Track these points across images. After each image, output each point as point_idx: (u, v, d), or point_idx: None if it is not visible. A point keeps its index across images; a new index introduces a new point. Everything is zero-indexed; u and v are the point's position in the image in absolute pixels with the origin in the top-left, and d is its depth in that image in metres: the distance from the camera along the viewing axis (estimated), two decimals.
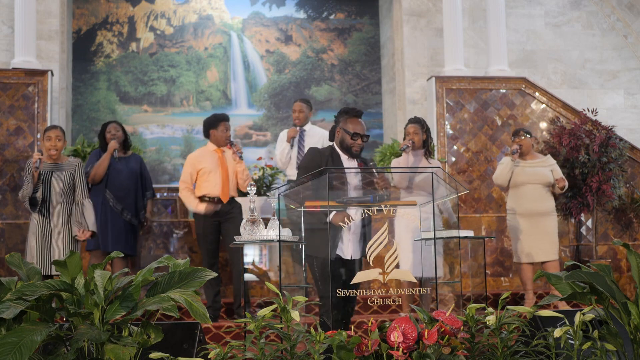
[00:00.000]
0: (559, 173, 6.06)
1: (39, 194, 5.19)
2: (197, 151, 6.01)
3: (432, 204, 3.73)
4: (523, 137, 6.01)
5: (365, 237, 3.81)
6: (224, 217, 5.68)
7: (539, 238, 5.88)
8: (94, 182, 5.84)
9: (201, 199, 5.67)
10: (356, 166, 4.12)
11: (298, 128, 6.19)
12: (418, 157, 5.37)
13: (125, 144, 6.11)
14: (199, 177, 5.73)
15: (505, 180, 5.97)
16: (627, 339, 2.96)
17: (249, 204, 3.94)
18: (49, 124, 6.86)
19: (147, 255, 6.75)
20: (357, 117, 4.14)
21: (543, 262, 5.92)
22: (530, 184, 5.94)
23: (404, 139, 5.46)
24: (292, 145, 6.16)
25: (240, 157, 5.67)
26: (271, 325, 2.86)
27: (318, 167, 3.90)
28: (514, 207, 6.01)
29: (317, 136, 6.22)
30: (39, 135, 6.82)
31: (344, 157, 4.13)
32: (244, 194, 6.14)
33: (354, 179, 3.93)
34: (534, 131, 7.49)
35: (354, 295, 3.54)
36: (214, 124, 5.76)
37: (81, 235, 5.21)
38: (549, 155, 6.24)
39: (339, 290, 3.50)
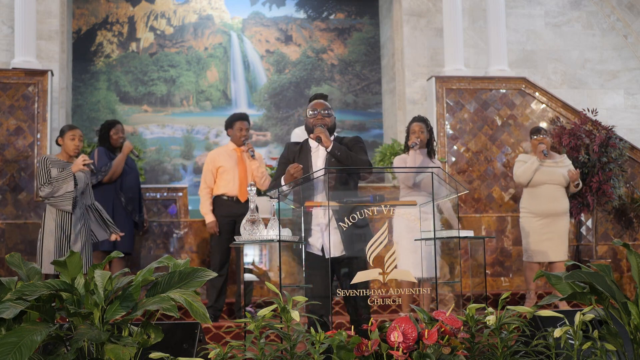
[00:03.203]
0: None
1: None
2: (218, 149, 6.03)
3: (432, 204, 3.73)
4: (543, 136, 6.02)
5: (351, 234, 3.78)
6: (241, 217, 5.66)
7: (551, 238, 5.91)
8: (110, 180, 5.83)
9: (220, 197, 5.69)
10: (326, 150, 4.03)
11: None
12: (424, 156, 5.38)
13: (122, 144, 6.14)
14: (218, 176, 5.74)
15: (528, 180, 5.97)
16: (627, 339, 2.96)
17: (250, 204, 3.93)
18: (49, 124, 6.86)
19: (147, 255, 6.74)
20: (316, 99, 4.17)
21: (550, 262, 5.94)
22: (548, 184, 5.96)
23: (406, 137, 5.45)
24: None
25: (252, 156, 5.66)
26: (271, 325, 2.85)
27: (286, 160, 4.06)
28: (529, 206, 6.01)
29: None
30: (39, 135, 6.82)
31: (313, 145, 4.10)
32: (261, 194, 6.15)
33: (318, 160, 3.99)
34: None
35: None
36: (230, 124, 5.80)
37: (117, 237, 5.22)
38: (564, 155, 6.23)
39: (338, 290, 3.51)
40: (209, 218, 5.69)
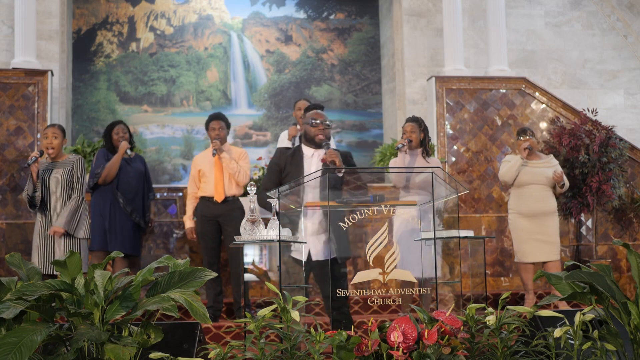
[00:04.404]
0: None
1: (38, 194, 5.16)
2: (200, 153, 6.11)
3: (432, 204, 3.73)
4: (529, 137, 5.99)
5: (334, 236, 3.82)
6: (222, 217, 5.68)
7: (541, 238, 5.88)
8: (104, 182, 5.81)
9: (203, 199, 5.75)
10: (323, 156, 4.03)
11: (299, 126, 6.15)
12: (415, 156, 5.35)
13: (130, 145, 6.10)
14: (200, 178, 5.82)
15: (512, 178, 5.95)
16: (627, 339, 2.96)
17: (249, 204, 3.93)
18: (49, 124, 6.86)
19: (147, 255, 6.74)
20: (316, 109, 4.22)
21: (544, 262, 5.92)
22: (534, 184, 5.93)
23: (402, 138, 5.45)
24: (293, 144, 6.13)
25: (213, 154, 5.66)
26: (271, 325, 2.85)
27: (277, 166, 4.13)
28: (516, 206, 5.99)
29: None
30: (39, 135, 6.83)
31: (308, 153, 4.12)
32: (246, 194, 6.13)
33: (311, 168, 4.00)
34: (535, 131, 7.50)
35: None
36: (206, 125, 5.88)
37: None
38: (551, 156, 6.21)
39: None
40: (187, 225, 5.88)
